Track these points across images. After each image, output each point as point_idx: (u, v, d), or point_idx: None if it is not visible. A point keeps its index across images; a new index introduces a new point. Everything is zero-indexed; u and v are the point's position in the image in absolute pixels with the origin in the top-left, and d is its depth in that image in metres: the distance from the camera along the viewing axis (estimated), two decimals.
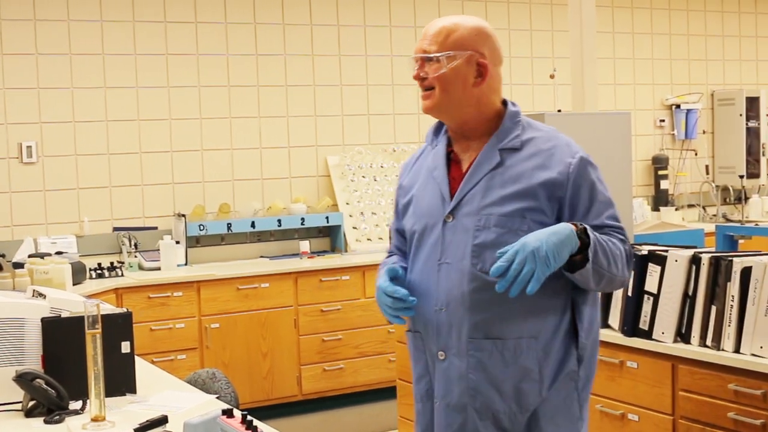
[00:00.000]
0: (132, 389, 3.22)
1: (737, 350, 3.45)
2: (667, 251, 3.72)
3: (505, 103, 2.75)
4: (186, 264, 6.72)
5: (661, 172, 8.73)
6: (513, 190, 2.60)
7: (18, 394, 3.01)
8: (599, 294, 2.81)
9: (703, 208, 8.81)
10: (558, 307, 2.62)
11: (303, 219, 7.13)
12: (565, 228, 2.49)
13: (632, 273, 2.75)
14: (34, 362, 3.12)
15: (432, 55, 2.67)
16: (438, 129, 2.82)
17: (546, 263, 2.43)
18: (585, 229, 2.52)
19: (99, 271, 6.29)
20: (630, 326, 3.81)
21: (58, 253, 6.07)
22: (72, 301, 3.30)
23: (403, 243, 2.86)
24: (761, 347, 3.37)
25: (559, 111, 6.19)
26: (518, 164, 2.63)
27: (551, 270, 2.46)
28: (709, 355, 3.53)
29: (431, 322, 2.68)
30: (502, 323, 2.59)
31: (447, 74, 2.65)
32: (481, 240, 2.60)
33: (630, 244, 2.69)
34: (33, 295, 3.39)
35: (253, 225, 6.98)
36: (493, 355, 2.60)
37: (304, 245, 7.09)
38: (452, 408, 2.66)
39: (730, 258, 3.50)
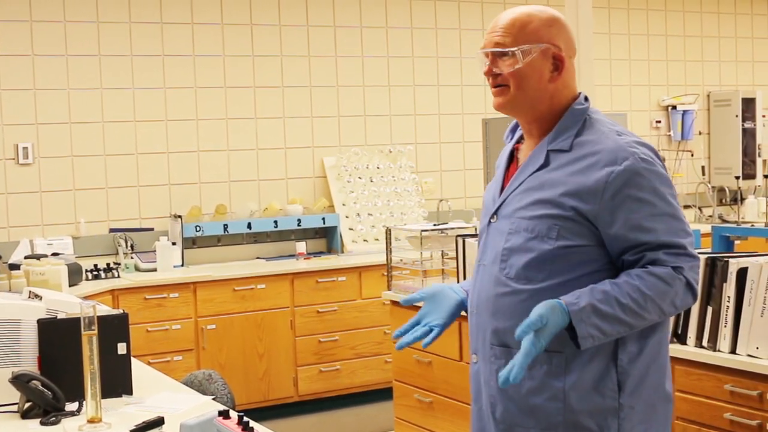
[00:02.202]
0: (128, 391, 3.22)
1: (733, 351, 3.46)
2: None
3: (577, 98, 2.57)
4: (182, 265, 6.72)
5: None
6: (547, 195, 2.43)
7: (14, 395, 3.01)
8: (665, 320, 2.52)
9: (700, 209, 8.82)
10: None
11: (299, 220, 7.13)
12: (563, 323, 2.31)
13: (695, 294, 2.42)
14: (30, 364, 3.12)
15: (507, 50, 2.47)
16: (516, 125, 2.67)
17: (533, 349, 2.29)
18: (588, 309, 2.31)
19: (95, 273, 6.28)
20: None
21: (55, 254, 6.06)
22: (68, 302, 3.30)
23: None
24: (757, 348, 3.38)
25: None
26: (562, 167, 2.44)
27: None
28: (705, 355, 3.53)
29: (470, 324, 2.61)
30: (507, 332, 2.46)
31: (523, 70, 2.47)
32: (511, 244, 2.48)
33: (693, 264, 2.39)
34: (29, 297, 3.39)
35: (249, 226, 6.98)
36: (497, 364, 2.49)
37: (301, 246, 7.09)
38: (482, 413, 2.60)
39: (726, 259, 3.50)
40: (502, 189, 2.57)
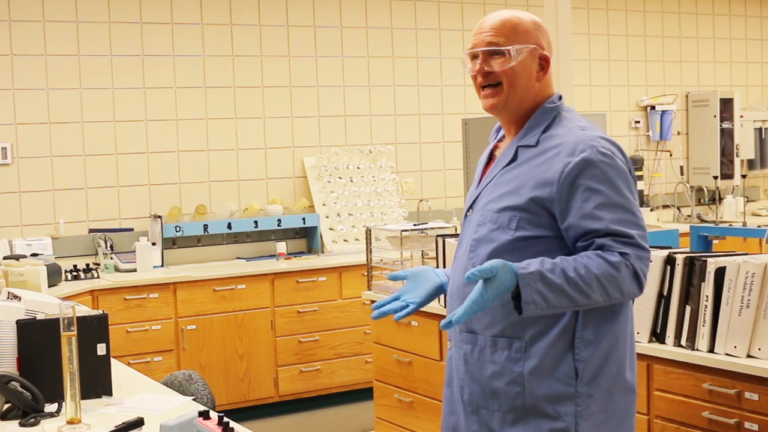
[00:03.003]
0: (108, 391, 3.21)
1: (711, 350, 3.48)
2: None
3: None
4: (162, 265, 6.70)
5: (636, 173, 8.74)
6: (511, 188, 2.55)
7: None
8: (628, 304, 2.61)
9: (678, 208, 8.86)
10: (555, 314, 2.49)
11: (279, 220, 7.13)
12: (510, 283, 2.38)
13: (641, 284, 2.46)
14: (9, 365, 3.11)
15: (503, 48, 2.56)
16: (500, 126, 2.78)
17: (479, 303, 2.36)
18: (537, 275, 2.38)
19: (75, 273, 6.26)
20: None
21: (34, 254, 6.04)
22: (47, 303, 3.29)
23: None
24: (735, 347, 3.40)
25: None
26: (528, 162, 2.56)
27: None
28: (683, 354, 3.55)
29: (448, 311, 2.64)
30: (483, 319, 2.57)
31: (516, 68, 2.57)
32: (478, 235, 2.61)
33: (641, 254, 2.45)
34: (8, 297, 3.37)
35: (229, 226, 6.97)
36: (474, 350, 2.60)
37: (281, 246, 7.09)
38: (453, 397, 2.71)
39: (705, 258, 3.52)
40: (479, 185, 2.71)
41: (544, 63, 2.62)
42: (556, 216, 2.49)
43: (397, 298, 2.68)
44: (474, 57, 2.61)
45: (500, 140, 2.75)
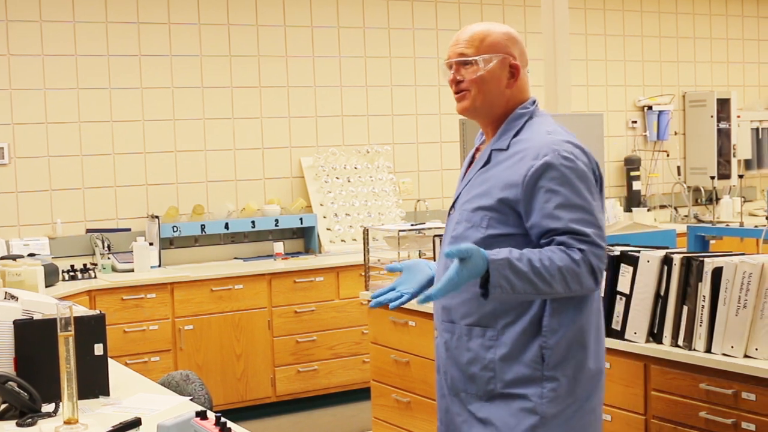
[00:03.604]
0: (105, 392, 3.21)
1: (708, 350, 3.48)
2: (639, 252, 3.74)
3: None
4: (159, 265, 6.70)
5: (633, 173, 8.78)
6: (483, 189, 2.76)
7: None
8: (593, 299, 2.79)
9: (675, 208, 8.87)
10: (524, 303, 2.70)
11: (277, 220, 7.13)
12: (482, 267, 2.55)
13: (597, 279, 2.64)
14: (6, 365, 3.11)
15: (470, 59, 2.81)
16: None
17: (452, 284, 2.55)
18: (505, 262, 2.56)
19: (72, 273, 6.26)
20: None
21: (31, 255, 6.04)
22: (44, 303, 3.29)
23: None
24: (732, 347, 3.40)
25: None
26: (499, 164, 2.76)
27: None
28: (680, 355, 3.55)
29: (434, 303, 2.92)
30: (459, 309, 2.80)
31: (484, 76, 2.80)
32: (456, 233, 2.82)
33: (596, 252, 2.63)
34: (5, 297, 3.37)
35: (226, 226, 6.97)
36: (453, 338, 2.83)
37: (278, 246, 7.09)
38: (441, 382, 2.94)
39: (702, 258, 3.52)
40: (460, 185, 2.93)
41: (514, 71, 2.83)
42: (522, 215, 2.70)
43: (392, 289, 2.88)
44: (450, 67, 2.85)
45: (483, 143, 2.95)
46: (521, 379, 2.71)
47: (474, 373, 2.77)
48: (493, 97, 2.82)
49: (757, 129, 9.35)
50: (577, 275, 2.59)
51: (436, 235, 4.75)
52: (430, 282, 2.91)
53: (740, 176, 8.80)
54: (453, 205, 2.90)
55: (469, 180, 2.84)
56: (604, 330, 2.90)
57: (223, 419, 2.38)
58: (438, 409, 2.98)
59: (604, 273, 2.69)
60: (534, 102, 2.86)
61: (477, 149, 2.95)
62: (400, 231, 5.06)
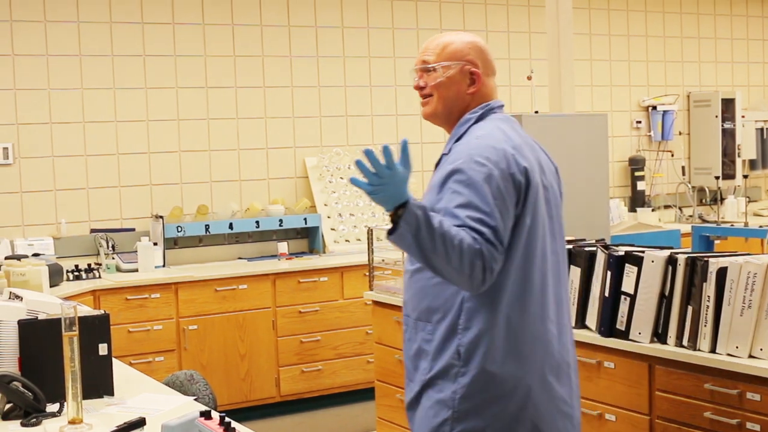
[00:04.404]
0: (109, 391, 3.21)
1: (713, 350, 3.47)
2: (643, 252, 3.73)
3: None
4: (164, 266, 6.70)
5: (637, 173, 8.78)
6: (427, 189, 2.90)
7: None
8: (503, 308, 2.78)
9: (680, 208, 8.86)
10: (446, 300, 2.81)
11: (281, 220, 7.13)
12: (404, 195, 2.60)
13: (486, 278, 2.66)
14: (10, 365, 3.11)
15: (430, 66, 2.94)
16: None
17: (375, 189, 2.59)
18: (423, 206, 2.61)
19: (76, 273, 6.26)
20: (607, 327, 3.83)
21: (35, 254, 6.04)
22: (49, 303, 3.29)
23: None
24: (737, 347, 3.40)
25: (537, 112, 6.21)
26: (440, 168, 2.88)
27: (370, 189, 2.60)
28: (685, 355, 3.55)
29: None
30: (409, 304, 2.94)
31: (443, 82, 2.93)
32: None
33: (491, 250, 2.65)
34: (10, 297, 3.37)
35: (231, 226, 6.97)
36: (407, 330, 2.95)
37: (282, 246, 7.09)
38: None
39: (706, 259, 3.52)
40: None
41: (475, 78, 2.94)
42: None
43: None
44: (416, 72, 2.99)
45: None
46: (443, 373, 2.82)
47: (418, 364, 2.90)
48: (453, 102, 2.94)
49: (762, 129, 9.34)
50: (472, 259, 2.62)
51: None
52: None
53: (745, 176, 8.79)
54: None
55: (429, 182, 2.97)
56: (534, 341, 2.83)
57: (227, 419, 2.38)
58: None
59: (494, 276, 2.69)
60: (488, 107, 2.95)
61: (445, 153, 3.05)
62: None
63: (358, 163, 2.57)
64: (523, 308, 2.81)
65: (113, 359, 3.28)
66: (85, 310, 3.44)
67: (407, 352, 2.96)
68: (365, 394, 6.52)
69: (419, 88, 2.97)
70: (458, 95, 2.93)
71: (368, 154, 2.55)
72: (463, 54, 2.94)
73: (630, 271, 3.75)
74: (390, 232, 2.64)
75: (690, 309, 3.56)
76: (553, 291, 2.89)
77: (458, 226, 2.65)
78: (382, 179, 2.58)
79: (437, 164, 2.92)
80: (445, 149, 2.93)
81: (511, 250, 2.76)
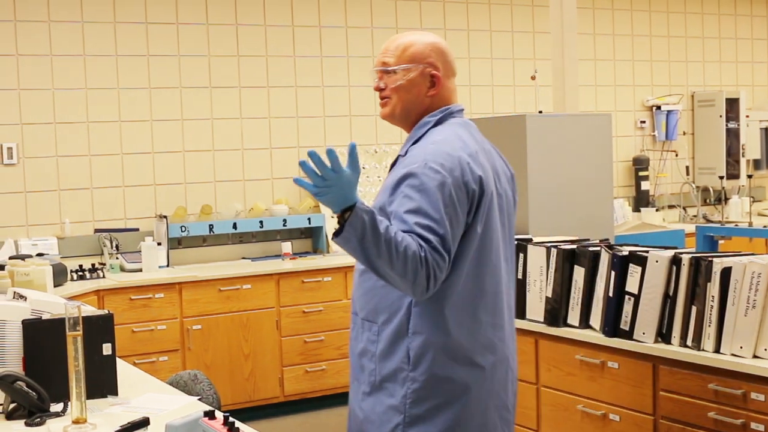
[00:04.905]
0: (113, 391, 3.21)
1: (717, 350, 3.47)
2: (647, 252, 3.73)
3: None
4: (168, 265, 6.71)
5: (641, 173, 8.77)
6: (380, 190, 2.87)
7: None
8: (453, 314, 2.78)
9: (684, 208, 8.85)
10: (393, 302, 2.80)
11: (285, 220, 7.13)
12: (351, 198, 2.57)
13: (429, 285, 2.65)
14: (14, 364, 3.11)
15: (390, 68, 2.91)
16: None
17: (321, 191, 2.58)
18: (371, 211, 2.58)
19: (80, 273, 6.27)
20: (611, 327, 3.83)
21: (39, 254, 6.04)
22: (53, 302, 3.29)
23: None
24: (741, 347, 3.39)
25: (541, 112, 6.21)
26: (396, 169, 2.86)
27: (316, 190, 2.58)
28: (689, 355, 3.55)
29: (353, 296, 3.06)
30: (356, 303, 2.94)
31: (403, 85, 2.91)
32: None
33: (436, 258, 2.63)
34: (14, 297, 3.37)
35: (234, 226, 6.97)
36: (354, 329, 2.96)
37: (286, 246, 7.09)
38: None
39: (710, 258, 3.51)
40: None
41: (435, 81, 2.91)
42: None
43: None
44: (377, 73, 2.97)
45: None
46: (392, 377, 2.81)
47: (363, 364, 2.90)
48: (412, 105, 2.92)
49: (766, 129, 9.33)
50: (416, 267, 2.60)
51: None
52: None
53: (749, 176, 8.78)
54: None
55: (384, 183, 2.95)
56: (484, 349, 2.85)
57: (231, 419, 2.38)
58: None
59: (438, 284, 2.68)
60: (448, 110, 2.93)
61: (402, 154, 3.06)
62: None
63: (303, 165, 2.59)
64: (475, 315, 2.81)
65: (117, 359, 3.28)
66: (89, 309, 3.44)
67: (353, 350, 2.96)
68: None
69: (379, 90, 2.95)
70: (418, 98, 2.91)
71: (312, 156, 2.57)
72: (424, 56, 2.91)
73: (634, 271, 3.74)
74: (335, 234, 2.62)
75: (694, 309, 3.56)
76: (506, 298, 2.91)
77: (406, 231, 2.65)
78: (327, 181, 2.57)
79: (392, 165, 2.92)
80: (401, 151, 2.92)
81: (461, 258, 2.75)
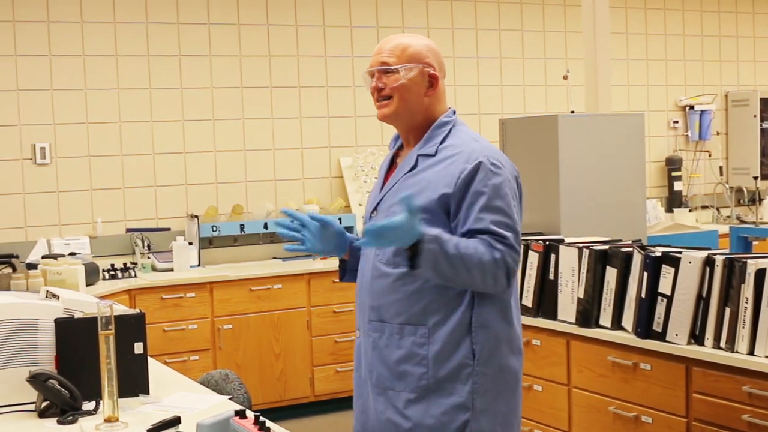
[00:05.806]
0: (145, 390, 3.22)
1: (751, 352, 3.44)
2: (680, 253, 3.70)
3: (446, 112, 3.02)
4: (199, 265, 6.73)
5: (674, 174, 8.71)
6: (412, 191, 2.82)
7: (31, 394, 3.02)
8: (512, 301, 2.91)
9: (717, 209, 8.78)
10: (449, 301, 2.82)
11: None
12: (415, 234, 2.66)
13: (510, 281, 2.79)
14: (47, 363, 3.13)
15: (392, 67, 2.93)
16: (397, 136, 3.12)
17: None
18: (436, 238, 2.68)
19: (112, 272, 6.30)
20: (643, 328, 3.81)
21: (72, 254, 6.08)
22: (85, 302, 3.30)
23: None
24: None
25: (573, 112, 6.18)
26: (427, 169, 2.89)
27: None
28: (723, 357, 3.52)
29: (356, 303, 3.07)
30: (390, 308, 2.88)
31: (405, 84, 2.93)
32: None
33: (513, 255, 2.76)
34: (46, 296, 3.39)
35: (265, 226, 6.99)
36: (383, 337, 2.90)
37: None
38: (362, 381, 3.03)
39: (744, 260, 3.48)
40: (383, 188, 3.04)
41: (433, 81, 2.96)
42: (450, 213, 2.83)
43: (298, 231, 2.94)
44: (372, 75, 2.98)
45: (400, 148, 3.08)
46: (453, 376, 2.82)
47: (406, 370, 2.85)
48: (413, 104, 2.94)
49: None
50: (494, 272, 2.72)
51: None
52: (339, 236, 3.02)
53: None
54: (375, 208, 3.01)
55: (394, 183, 2.96)
56: (520, 335, 2.98)
57: (261, 418, 2.38)
58: (354, 409, 3.10)
59: (516, 276, 2.82)
60: (454, 112, 3.02)
61: (396, 154, 3.09)
62: None
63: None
64: (517, 304, 2.96)
65: (149, 358, 3.29)
66: (121, 309, 3.46)
67: (384, 360, 2.90)
68: None
69: (377, 90, 2.96)
70: (418, 97, 2.94)
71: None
72: (423, 56, 2.95)
73: (667, 272, 3.72)
74: (410, 267, 2.71)
75: (728, 310, 3.53)
76: None
77: (482, 229, 2.74)
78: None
79: (414, 165, 2.92)
80: (425, 150, 2.93)
81: None
